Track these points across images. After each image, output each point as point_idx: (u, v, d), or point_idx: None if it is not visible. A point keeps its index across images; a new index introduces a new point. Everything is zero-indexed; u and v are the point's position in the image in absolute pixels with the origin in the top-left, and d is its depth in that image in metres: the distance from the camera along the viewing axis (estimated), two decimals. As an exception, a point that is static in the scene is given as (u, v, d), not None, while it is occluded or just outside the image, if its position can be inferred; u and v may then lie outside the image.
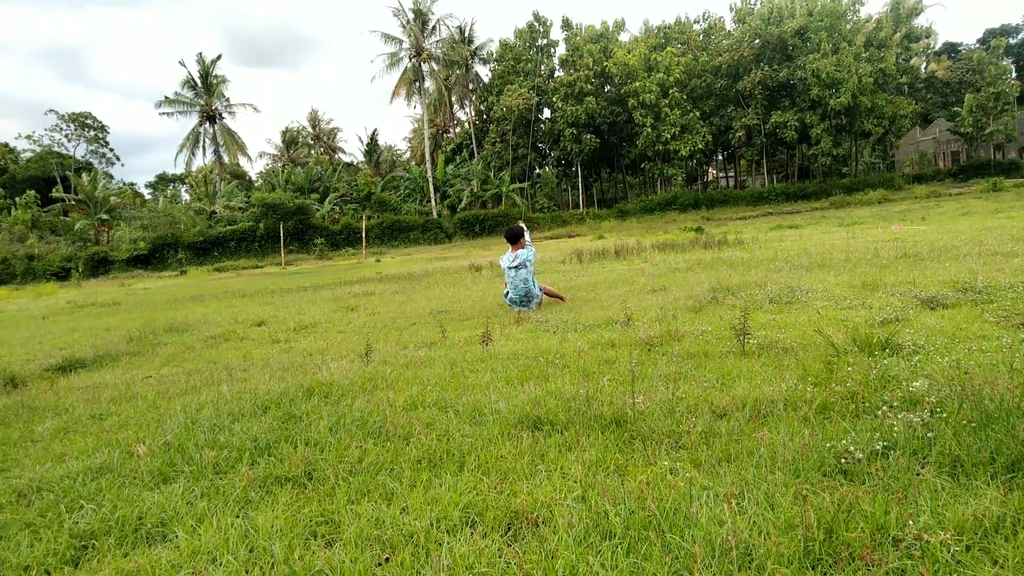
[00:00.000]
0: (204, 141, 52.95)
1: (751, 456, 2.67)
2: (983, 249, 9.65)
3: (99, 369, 7.46)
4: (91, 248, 42.18)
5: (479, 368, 4.91)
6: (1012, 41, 74.94)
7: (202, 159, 54.61)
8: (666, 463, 2.68)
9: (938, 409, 2.88)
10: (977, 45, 68.09)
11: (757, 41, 48.56)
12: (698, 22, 55.44)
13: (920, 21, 55.17)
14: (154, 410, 4.61)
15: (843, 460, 2.51)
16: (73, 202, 47.69)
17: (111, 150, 73.66)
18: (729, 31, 52.55)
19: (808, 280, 8.15)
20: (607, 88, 53.09)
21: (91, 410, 4.84)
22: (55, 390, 6.09)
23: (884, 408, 2.97)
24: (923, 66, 59.63)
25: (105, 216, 44.72)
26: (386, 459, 3.06)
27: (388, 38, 51.12)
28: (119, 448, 3.64)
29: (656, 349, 5.03)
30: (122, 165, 75.37)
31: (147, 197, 71.34)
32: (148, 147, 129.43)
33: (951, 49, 70.34)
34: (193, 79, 52.22)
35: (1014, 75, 61.17)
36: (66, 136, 69.76)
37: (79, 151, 70.35)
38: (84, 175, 48.74)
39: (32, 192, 49.63)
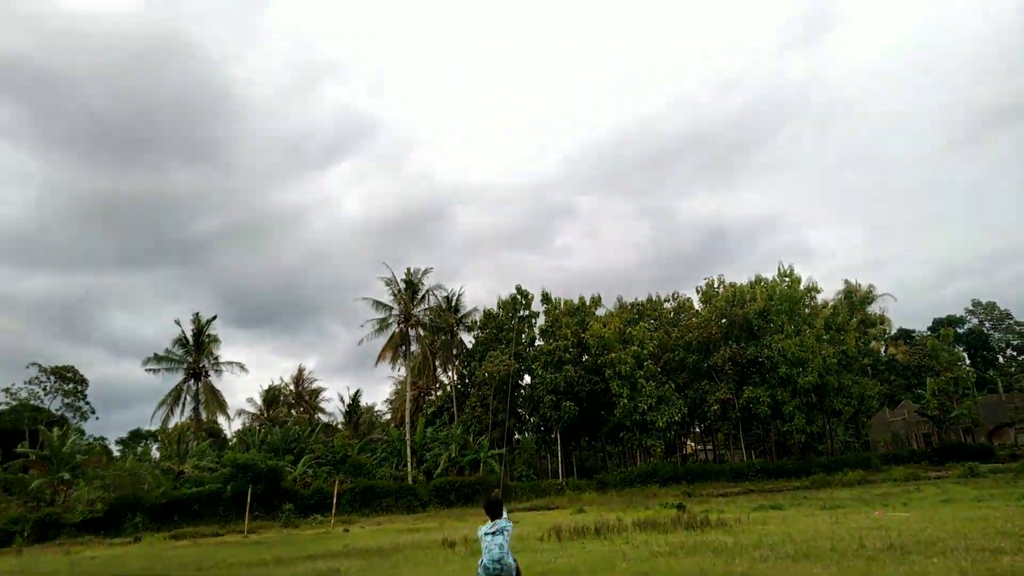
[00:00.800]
0: (185, 398, 52.96)
1: None
2: (970, 543, 9.53)
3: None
4: (44, 509, 39.71)
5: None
6: (960, 330, 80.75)
7: (180, 416, 54.17)
8: None
9: None
10: (929, 332, 73.14)
11: (724, 320, 51.91)
12: (668, 301, 59.53)
13: (873, 308, 59.94)
14: None
15: None
16: (35, 458, 46.01)
17: (87, 403, 73.06)
18: (697, 310, 56.28)
19: (795, 573, 7.88)
20: (584, 357, 55.20)
21: None
22: None
23: None
24: (883, 349, 63.33)
25: (67, 475, 42.87)
26: None
27: (379, 305, 53.97)
28: None
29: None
30: (96, 419, 74.20)
31: (116, 454, 69.20)
32: (126, 401, 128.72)
33: (906, 335, 75.40)
34: (186, 337, 53.76)
35: (967, 362, 64.83)
36: (44, 388, 69.69)
37: (55, 404, 69.75)
38: (55, 429, 47.72)
39: (-6, 447, 48.13)
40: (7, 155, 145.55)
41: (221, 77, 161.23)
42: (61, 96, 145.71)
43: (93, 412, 73.35)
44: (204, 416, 54.69)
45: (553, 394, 51.31)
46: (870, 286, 57.73)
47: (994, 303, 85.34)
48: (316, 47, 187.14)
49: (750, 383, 49.66)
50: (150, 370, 52.44)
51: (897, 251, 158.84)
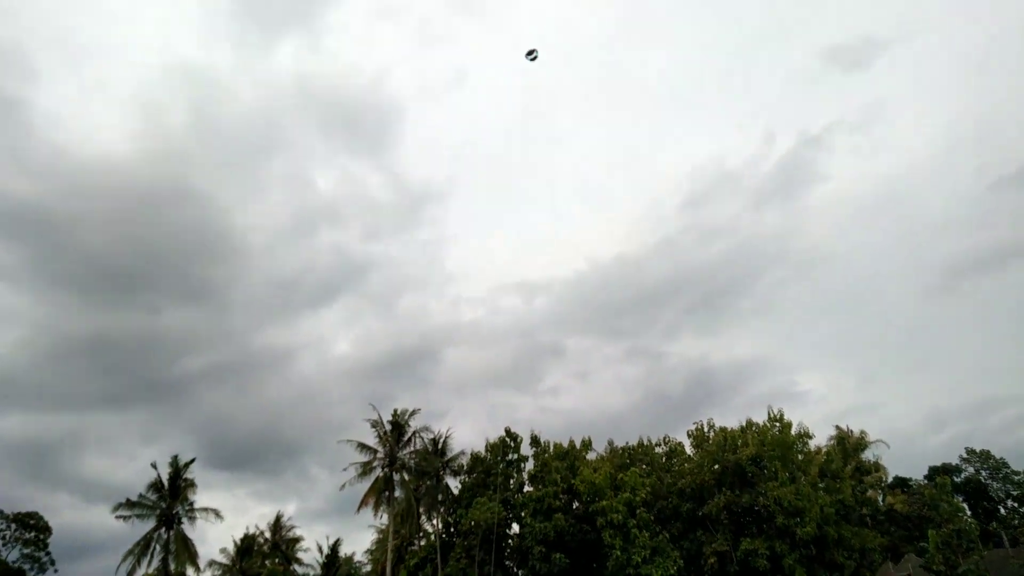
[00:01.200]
0: (155, 547, 50.00)
1: None
2: None
3: None
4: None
5: None
6: (957, 479, 79.01)
7: (147, 567, 50.86)
8: None
9: None
10: (925, 481, 71.57)
11: (716, 466, 50.66)
12: (659, 445, 58.35)
13: (867, 455, 58.98)
14: None
15: None
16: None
17: (48, 554, 68.78)
18: (689, 455, 55.13)
19: None
20: (575, 504, 53.23)
21: None
22: None
23: None
24: (880, 499, 61.56)
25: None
26: None
27: (363, 448, 52.73)
28: None
29: None
30: (55, 572, 69.68)
31: (72, 611, 64.37)
32: (94, 550, 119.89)
33: (902, 483, 73.62)
34: (161, 482, 51.63)
35: (969, 513, 62.91)
36: (3, 538, 66.00)
37: (13, 554, 65.71)
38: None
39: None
40: (3, 298, 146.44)
41: (222, 223, 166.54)
42: (62, 239, 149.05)
43: (53, 564, 69.03)
44: (173, 567, 51.48)
45: (543, 544, 48.97)
46: (862, 432, 57.30)
47: (988, 451, 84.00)
48: (315, 193, 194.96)
49: (747, 534, 47.72)
50: (120, 517, 50.06)
51: (886, 396, 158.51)
